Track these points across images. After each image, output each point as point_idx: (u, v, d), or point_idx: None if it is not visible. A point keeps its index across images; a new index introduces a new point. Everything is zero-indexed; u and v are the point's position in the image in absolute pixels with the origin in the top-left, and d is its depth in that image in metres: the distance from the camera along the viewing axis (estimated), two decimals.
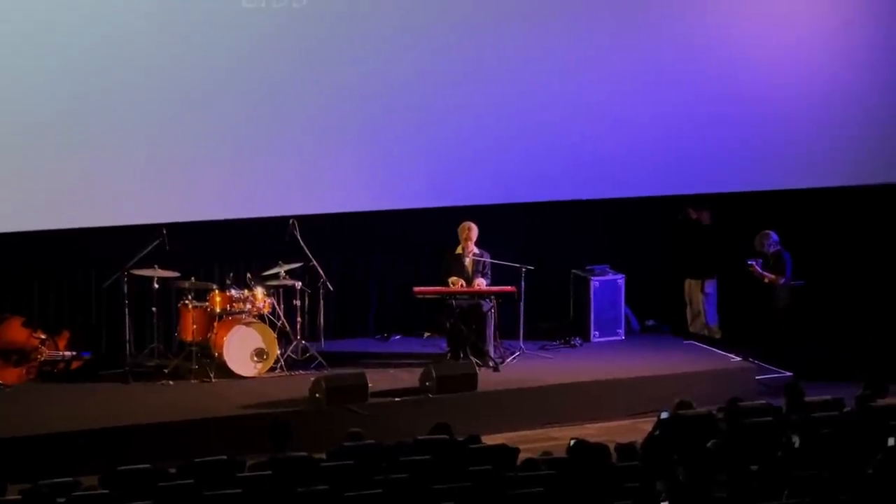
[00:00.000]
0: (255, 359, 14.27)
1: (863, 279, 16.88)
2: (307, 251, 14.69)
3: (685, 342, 15.91)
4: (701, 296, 16.38)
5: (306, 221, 14.76)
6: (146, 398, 13.69)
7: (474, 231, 14.99)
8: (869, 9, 16.29)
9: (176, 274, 14.50)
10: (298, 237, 14.65)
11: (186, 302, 14.41)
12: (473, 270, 14.99)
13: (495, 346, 14.95)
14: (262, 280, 14.61)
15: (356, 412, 13.25)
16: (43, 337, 14.30)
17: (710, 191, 16.16)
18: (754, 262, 15.53)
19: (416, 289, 14.92)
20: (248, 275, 14.55)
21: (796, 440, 10.33)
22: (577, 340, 15.75)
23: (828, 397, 11.65)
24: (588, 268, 16.09)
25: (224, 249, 15.05)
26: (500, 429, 13.19)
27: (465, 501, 9.48)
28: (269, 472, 9.96)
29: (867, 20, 16.28)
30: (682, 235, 16.48)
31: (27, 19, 13.60)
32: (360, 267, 15.93)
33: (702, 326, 16.35)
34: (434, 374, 13.75)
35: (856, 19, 16.25)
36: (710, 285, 16.39)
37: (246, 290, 14.44)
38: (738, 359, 15.18)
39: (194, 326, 14.29)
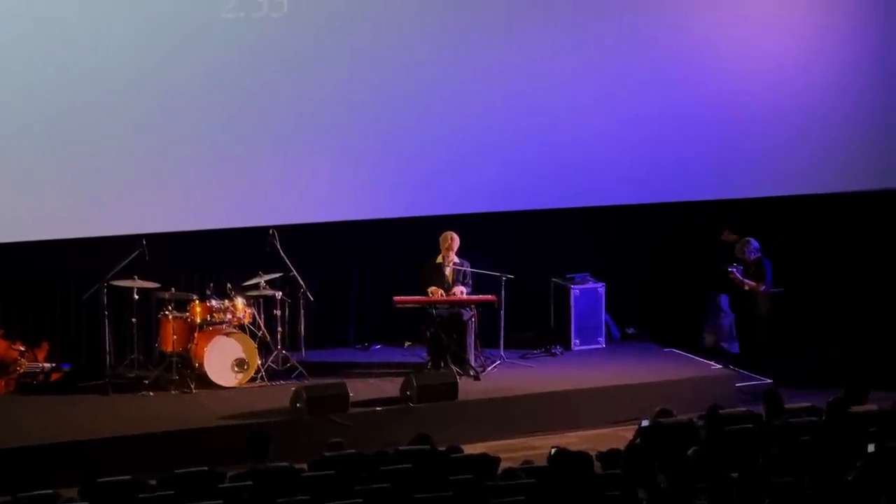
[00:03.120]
0: (236, 369, 14.25)
1: (843, 286, 16.92)
2: (287, 261, 14.68)
3: (665, 350, 15.92)
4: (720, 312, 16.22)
5: (286, 231, 14.75)
6: (126, 409, 13.66)
7: (456, 241, 14.99)
8: (847, 17, 16.35)
9: (156, 285, 14.48)
10: (278, 247, 14.64)
11: (166, 313, 14.38)
12: (454, 280, 14.99)
13: (476, 355, 14.95)
14: (242, 290, 14.59)
15: (337, 422, 13.24)
16: (22, 349, 14.27)
17: (690, 199, 16.18)
18: (735, 270, 15.56)
19: (397, 298, 14.92)
20: (229, 285, 14.53)
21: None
22: (558, 349, 15.75)
23: (807, 404, 11.68)
24: (568, 276, 16.11)
25: (204, 260, 15.03)
26: (481, 438, 13.18)
27: None
28: (250, 482, 9.94)
29: (845, 29, 16.34)
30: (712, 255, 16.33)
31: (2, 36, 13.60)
32: (341, 276, 15.92)
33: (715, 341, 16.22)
34: (415, 384, 13.75)
35: (834, 28, 16.32)
36: (724, 300, 16.26)
37: (226, 301, 14.42)
38: (719, 366, 15.21)
39: (174, 337, 14.27)
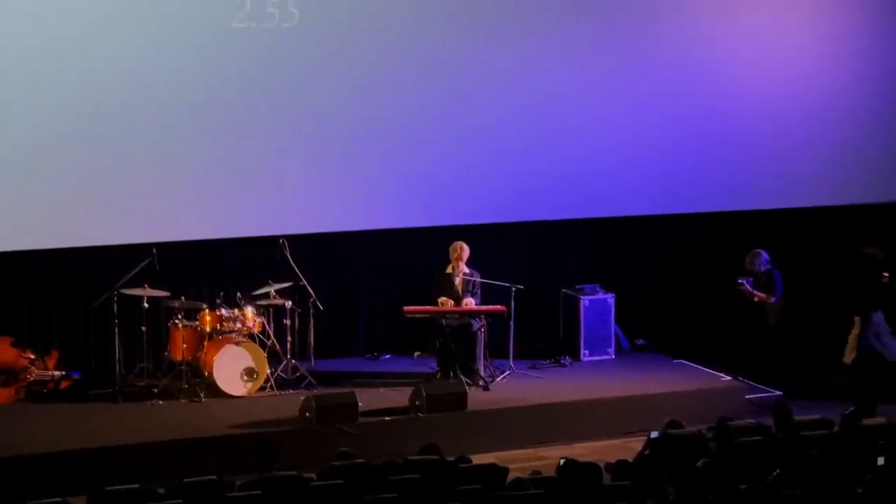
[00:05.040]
0: (245, 378, 14.26)
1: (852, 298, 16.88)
2: (297, 270, 14.69)
3: (675, 361, 15.90)
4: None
5: (296, 241, 14.76)
6: (135, 418, 13.67)
7: (466, 251, 15.00)
8: (854, 31, 16.32)
9: (166, 293, 14.50)
10: (288, 256, 14.65)
11: (176, 321, 14.40)
12: (463, 290, 15.00)
13: (485, 366, 14.95)
14: (252, 299, 14.60)
15: (346, 431, 13.24)
16: (32, 357, 14.28)
17: (701, 210, 16.18)
18: (745, 281, 15.52)
19: (406, 308, 14.92)
20: (238, 294, 14.54)
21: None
22: (567, 359, 15.75)
23: (817, 417, 11.66)
24: (578, 287, 16.10)
25: (214, 269, 15.04)
26: (489, 448, 13.17)
27: None
28: (259, 491, 9.95)
29: (852, 42, 16.32)
30: (856, 271, 16.10)
31: (14, 42, 13.61)
32: (350, 286, 15.93)
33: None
34: (424, 394, 13.74)
35: (841, 41, 16.29)
36: (879, 316, 15.96)
37: (236, 310, 14.43)
38: (728, 378, 15.19)
39: (184, 346, 14.28)
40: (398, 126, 14.93)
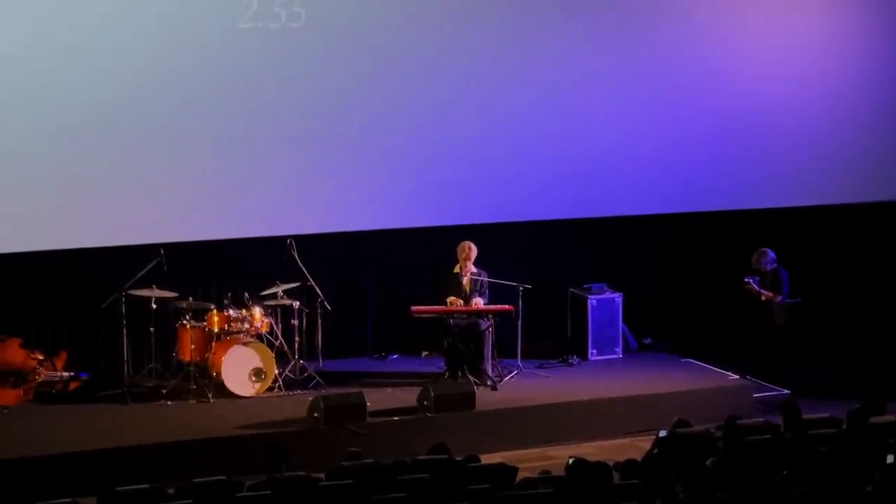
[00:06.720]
0: (254, 378, 14.27)
1: (860, 297, 16.88)
2: (305, 271, 14.70)
3: (683, 360, 15.90)
4: None
5: (304, 241, 14.77)
6: (144, 419, 13.68)
7: (474, 251, 15.00)
8: (860, 31, 16.32)
9: (174, 294, 14.51)
10: (296, 257, 14.67)
11: (184, 322, 14.41)
12: (471, 290, 15.00)
13: (493, 365, 14.95)
14: (259, 300, 14.62)
15: (355, 431, 13.25)
16: (41, 358, 14.30)
17: (707, 209, 16.18)
18: (751, 280, 15.51)
19: (414, 308, 14.93)
20: (246, 294, 14.55)
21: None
22: (575, 359, 15.75)
23: (825, 415, 11.66)
24: (586, 286, 16.11)
25: (222, 269, 15.06)
26: (498, 448, 13.18)
27: None
28: (268, 492, 9.96)
29: (859, 39, 16.31)
30: None
31: (21, 41, 13.63)
32: (358, 286, 15.94)
33: None
34: (432, 394, 13.75)
35: (847, 38, 16.29)
36: None
37: (244, 310, 14.45)
38: (736, 377, 15.18)
39: (192, 346, 14.30)
40: (405, 126, 14.93)
